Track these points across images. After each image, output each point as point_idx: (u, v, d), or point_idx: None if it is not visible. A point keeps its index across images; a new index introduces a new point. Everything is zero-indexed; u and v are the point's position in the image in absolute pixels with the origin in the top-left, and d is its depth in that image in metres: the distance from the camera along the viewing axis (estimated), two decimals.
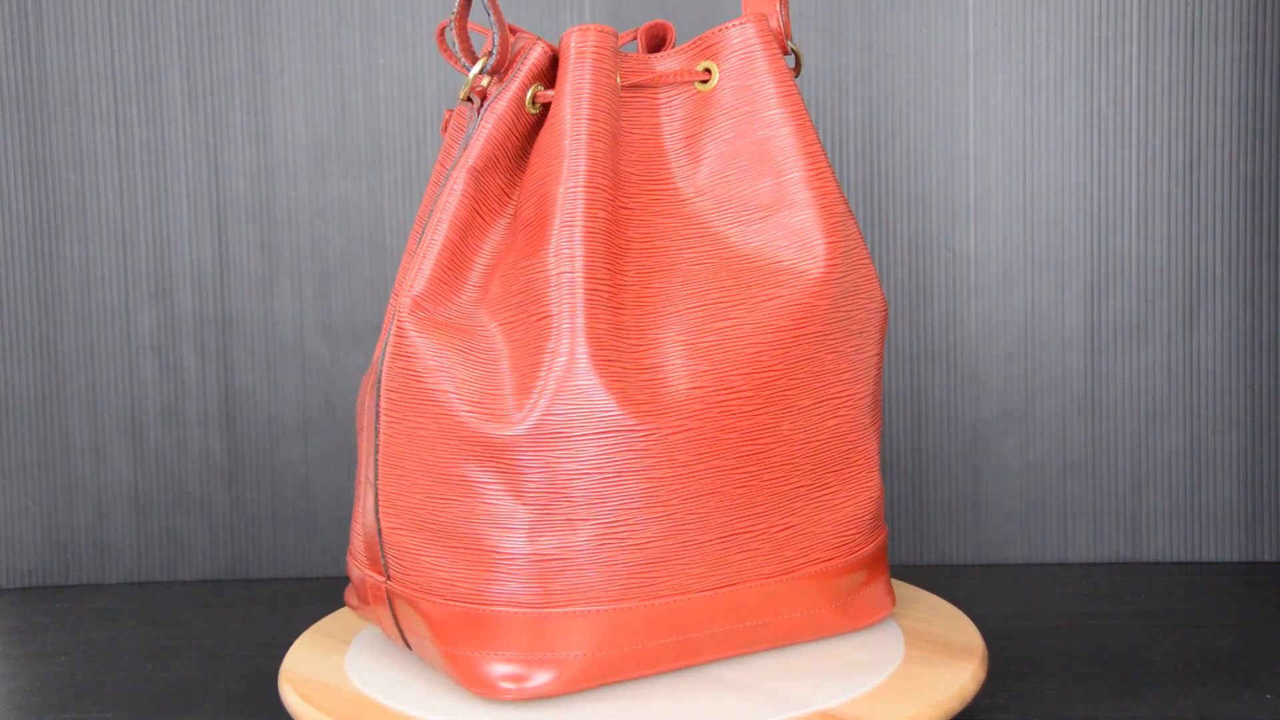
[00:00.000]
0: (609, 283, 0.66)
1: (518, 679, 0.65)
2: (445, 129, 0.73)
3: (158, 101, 0.93)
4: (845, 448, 0.71)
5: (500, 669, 0.65)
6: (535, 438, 0.64)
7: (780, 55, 0.72)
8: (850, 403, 0.71)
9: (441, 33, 0.71)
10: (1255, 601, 0.86)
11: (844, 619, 0.73)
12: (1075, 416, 0.93)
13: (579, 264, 0.65)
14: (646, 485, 0.65)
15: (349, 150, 0.93)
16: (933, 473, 0.94)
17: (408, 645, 0.70)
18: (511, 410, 0.64)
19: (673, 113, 0.72)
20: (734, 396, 0.67)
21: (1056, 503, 0.93)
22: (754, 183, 0.71)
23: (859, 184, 0.92)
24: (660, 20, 0.74)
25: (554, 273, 0.65)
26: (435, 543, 0.66)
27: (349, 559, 0.72)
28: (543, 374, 0.64)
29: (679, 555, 0.66)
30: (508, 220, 0.69)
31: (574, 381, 0.64)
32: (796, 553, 0.70)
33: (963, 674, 0.69)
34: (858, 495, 0.72)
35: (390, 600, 0.68)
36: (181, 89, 0.93)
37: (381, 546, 0.68)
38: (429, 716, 0.66)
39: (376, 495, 0.67)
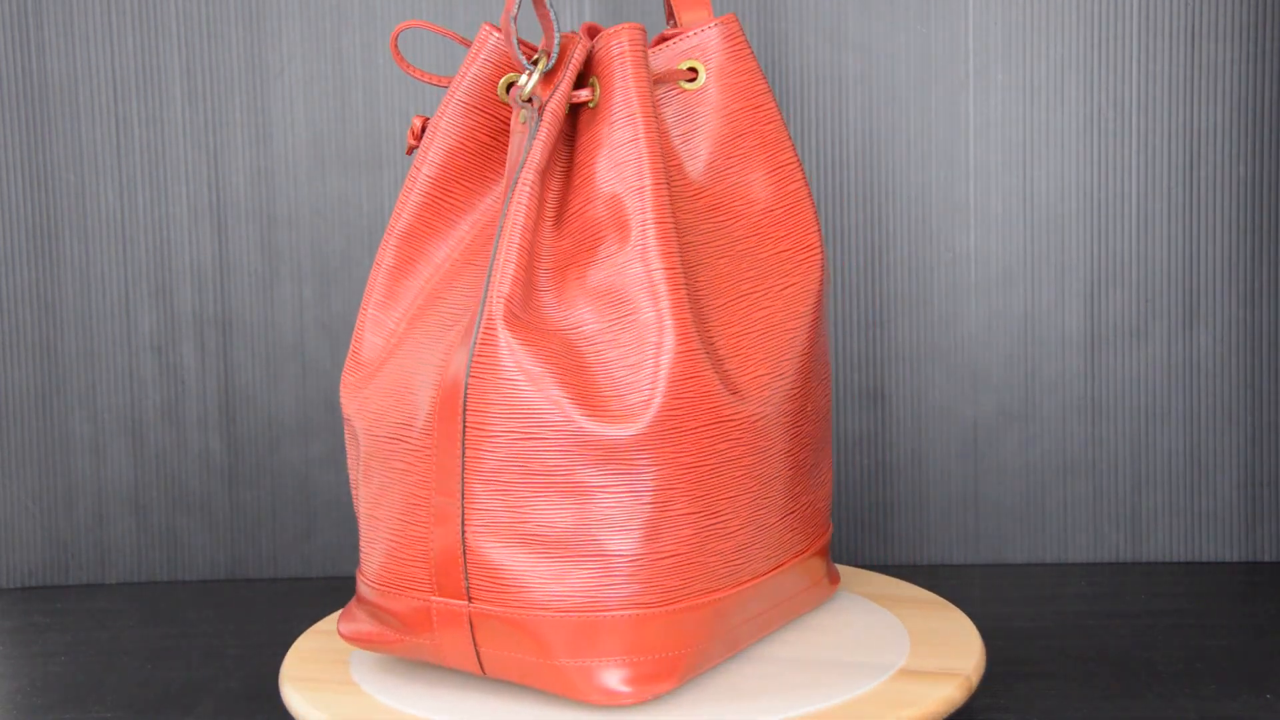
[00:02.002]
0: (686, 276, 0.67)
1: (641, 681, 0.65)
2: (418, 135, 0.72)
3: (158, 101, 0.93)
4: (826, 426, 0.75)
5: (623, 673, 0.64)
6: (654, 435, 0.64)
7: (752, 54, 0.74)
8: (829, 382, 0.75)
9: (396, 39, 0.70)
10: (1255, 601, 0.86)
11: (827, 590, 0.77)
12: (1075, 416, 0.93)
13: (665, 260, 0.65)
14: (738, 474, 0.67)
15: (349, 150, 0.93)
16: (933, 473, 0.94)
17: (482, 670, 0.67)
18: (627, 410, 0.64)
19: (665, 111, 0.73)
20: (786, 381, 0.70)
21: (1056, 503, 0.94)
22: (745, 176, 0.73)
23: (859, 184, 0.92)
24: (593, 23, 0.74)
25: (646, 270, 0.65)
26: (545, 555, 0.64)
27: (371, 591, 0.69)
28: (652, 371, 0.64)
29: (756, 540, 0.68)
30: (550, 221, 0.68)
31: (683, 376, 0.64)
32: (813, 528, 0.74)
33: (965, 621, 0.75)
34: (829, 471, 0.76)
35: (471, 624, 0.66)
36: (181, 89, 0.93)
37: (466, 568, 0.65)
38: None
39: (464, 515, 0.65)
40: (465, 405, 0.64)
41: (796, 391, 0.71)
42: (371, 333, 0.71)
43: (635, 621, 0.64)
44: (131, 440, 0.95)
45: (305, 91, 0.93)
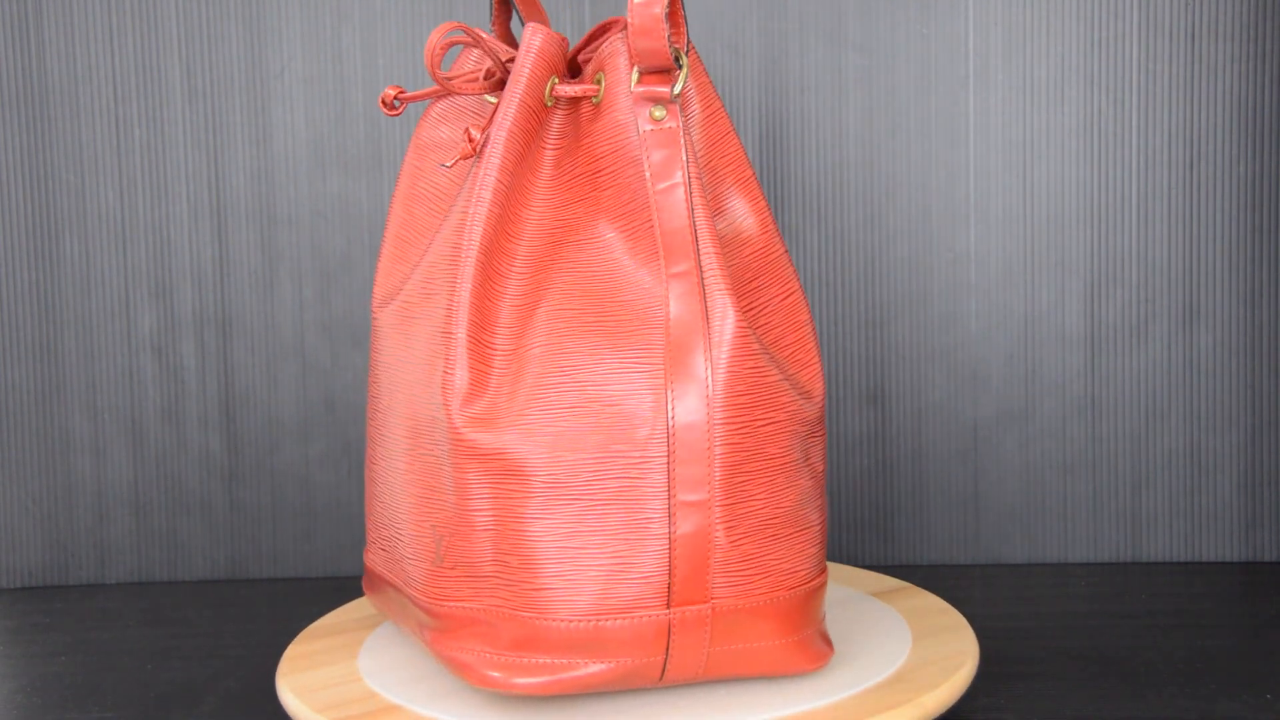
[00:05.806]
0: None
1: (827, 643, 0.69)
2: (478, 146, 0.68)
3: (158, 101, 0.93)
4: None
5: (821, 638, 0.68)
6: (824, 405, 0.69)
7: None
8: None
9: (432, 54, 0.67)
10: (1255, 601, 0.86)
11: None
12: (1075, 416, 0.93)
13: (782, 240, 0.69)
14: None
15: (349, 150, 0.93)
16: (933, 473, 0.94)
17: (705, 673, 0.66)
18: (809, 383, 0.68)
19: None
20: None
21: (1056, 503, 0.93)
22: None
23: (859, 184, 0.92)
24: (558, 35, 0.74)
25: (780, 252, 0.69)
26: (776, 536, 0.66)
27: (576, 628, 0.63)
28: (812, 345, 0.68)
29: None
30: None
31: (820, 348, 0.69)
32: None
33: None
34: None
35: (710, 625, 0.64)
36: (181, 89, 0.93)
37: (712, 567, 0.64)
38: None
39: (715, 513, 0.64)
40: (714, 400, 0.64)
41: None
42: (476, 360, 0.65)
43: (823, 584, 0.68)
44: (131, 440, 0.95)
45: (305, 91, 0.93)
